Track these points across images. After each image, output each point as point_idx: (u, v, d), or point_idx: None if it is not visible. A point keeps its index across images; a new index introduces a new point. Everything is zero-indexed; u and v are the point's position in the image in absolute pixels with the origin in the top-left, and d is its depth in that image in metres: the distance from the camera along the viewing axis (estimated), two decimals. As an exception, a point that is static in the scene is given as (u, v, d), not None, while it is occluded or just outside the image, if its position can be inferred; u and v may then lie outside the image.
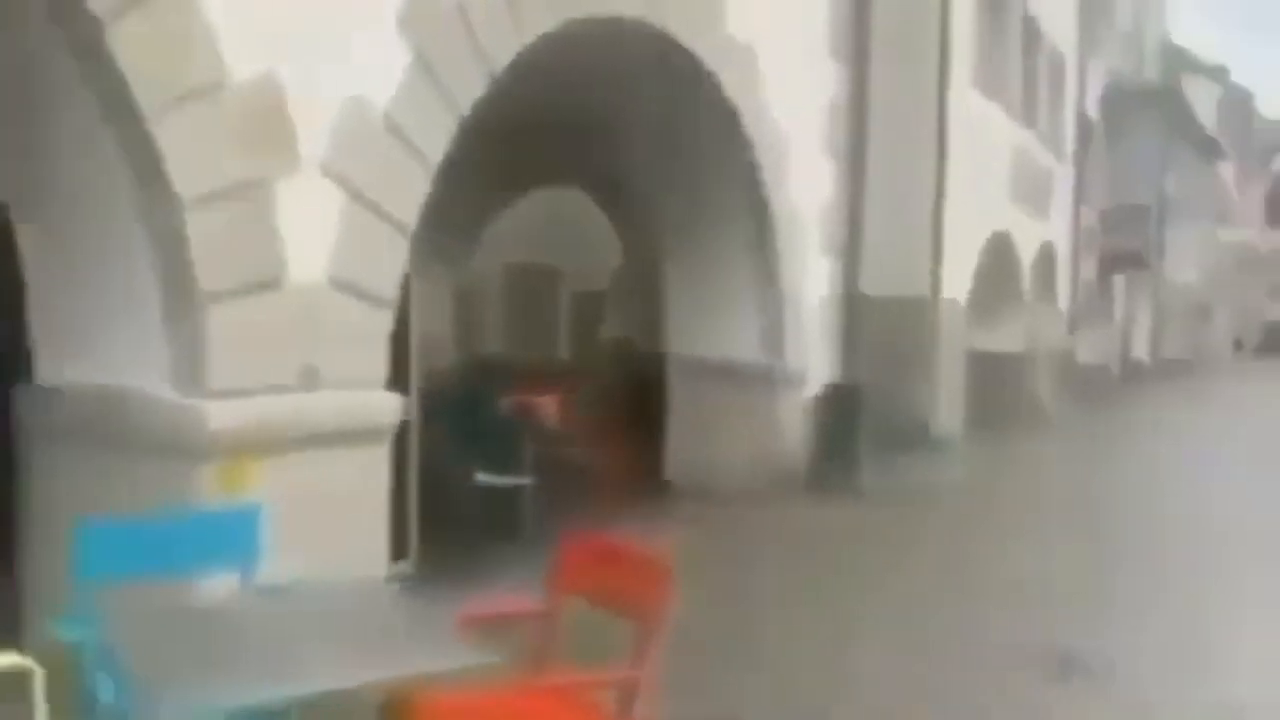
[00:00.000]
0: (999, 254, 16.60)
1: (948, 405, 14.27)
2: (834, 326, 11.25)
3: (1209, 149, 39.80)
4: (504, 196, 13.01)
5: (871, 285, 11.88)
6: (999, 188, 16.59)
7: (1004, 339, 17.67)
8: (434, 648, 2.93)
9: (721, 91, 9.02)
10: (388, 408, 5.69)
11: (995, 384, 16.59)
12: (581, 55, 8.35)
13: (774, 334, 10.20)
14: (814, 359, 10.85)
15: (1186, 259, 36.67)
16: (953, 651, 5.82)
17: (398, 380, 5.90)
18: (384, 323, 5.71)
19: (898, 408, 12.99)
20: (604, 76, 8.87)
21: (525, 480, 7.62)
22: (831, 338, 11.24)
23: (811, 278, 10.74)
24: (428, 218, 6.11)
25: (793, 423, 10.51)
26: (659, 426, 10.33)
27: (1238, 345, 58.13)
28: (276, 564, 3.77)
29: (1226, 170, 48.24)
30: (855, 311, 11.32)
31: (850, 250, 11.23)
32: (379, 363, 5.67)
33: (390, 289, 5.73)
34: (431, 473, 7.02)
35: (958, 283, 14.64)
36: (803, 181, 10.37)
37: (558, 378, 11.70)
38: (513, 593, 4.01)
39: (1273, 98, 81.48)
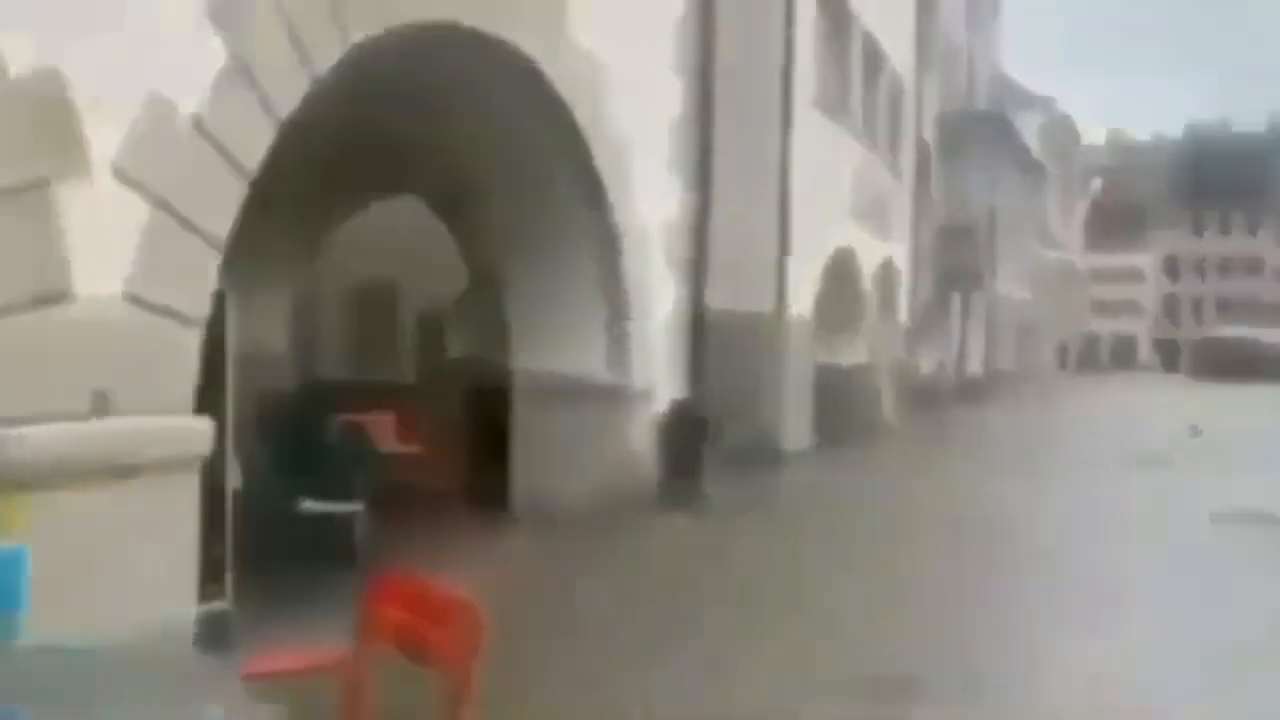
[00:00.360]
0: (843, 270, 16.87)
1: (795, 418, 14.36)
2: (681, 343, 11.10)
3: (1035, 172, 41.80)
4: (342, 208, 12.42)
5: (718, 301, 11.82)
6: (842, 206, 16.87)
7: (848, 353, 17.97)
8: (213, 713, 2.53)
9: (563, 103, 8.76)
10: (196, 434, 5.19)
11: (841, 397, 16.82)
12: (418, 62, 7.98)
13: (621, 351, 9.97)
14: (662, 376, 10.68)
15: (1016, 277, 38.34)
16: (790, 679, 5.65)
17: (213, 404, 5.40)
18: (192, 342, 5.21)
19: (746, 423, 12.99)
20: (442, 85, 8.50)
21: (356, 507, 7.16)
22: (679, 354, 11.08)
23: (658, 294, 10.57)
24: (256, 230, 5.63)
25: (641, 441, 10.30)
26: (506, 447, 9.97)
27: (1062, 359, 61.19)
28: (50, 614, 3.29)
29: (1051, 193, 50.73)
30: (702, 328, 11.20)
31: (697, 266, 11.12)
32: (186, 386, 5.17)
33: (199, 306, 5.24)
34: (254, 501, 6.51)
35: (803, 298, 14.78)
36: (649, 196, 10.19)
37: (399, 398, 11.19)
38: (334, 634, 3.60)
39: (1092, 127, 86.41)
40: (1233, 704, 5.46)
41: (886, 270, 19.93)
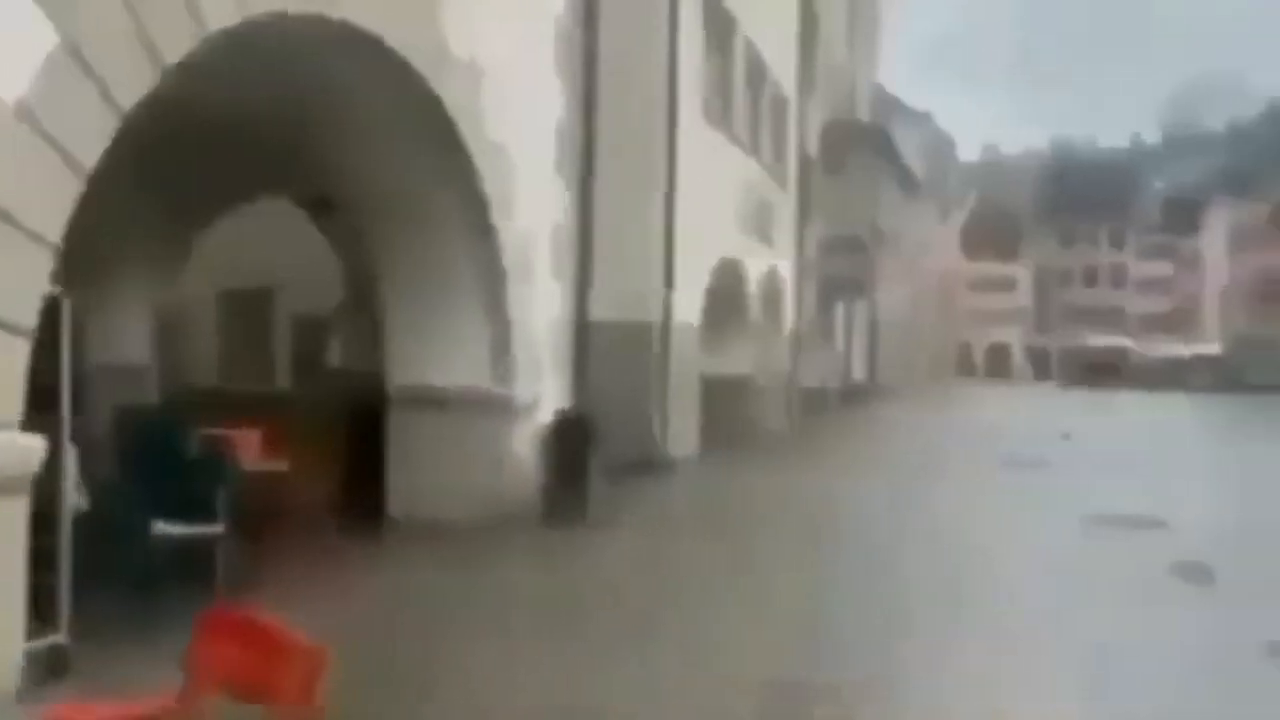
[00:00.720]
0: (729, 280, 16.83)
1: (682, 427, 14.23)
2: (566, 352, 10.83)
3: (914, 186, 42.82)
4: (210, 211, 11.80)
5: (603, 310, 11.60)
6: (728, 216, 16.84)
7: (734, 362, 17.94)
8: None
9: (440, 104, 8.42)
10: (23, 452, 4.71)
11: (727, 404, 16.77)
12: (285, 58, 7.57)
13: (503, 361, 9.65)
14: (546, 385, 10.39)
15: (896, 287, 39.15)
16: (668, 685, 5.45)
17: (45, 420, 4.93)
18: (19, 352, 4.74)
19: (632, 431, 12.78)
20: (311, 84, 8.09)
21: (217, 529, 6.68)
22: (564, 363, 10.81)
23: (542, 302, 10.28)
24: (115, 232, 5.16)
25: (524, 451, 9.99)
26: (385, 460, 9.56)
27: (941, 367, 62.80)
28: None
29: (929, 206, 52.08)
30: (586, 336, 10.96)
31: (581, 275, 10.87)
32: (12, 399, 4.69)
33: (26, 312, 4.76)
34: (103, 525, 6.00)
35: (690, 308, 14.67)
36: (531, 203, 9.91)
37: (273, 410, 10.64)
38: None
39: (969, 143, 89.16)
40: (1101, 704, 5.45)
41: (772, 280, 20.01)
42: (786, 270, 21.47)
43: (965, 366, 73.74)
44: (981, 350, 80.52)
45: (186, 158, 9.67)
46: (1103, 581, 8.33)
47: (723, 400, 16.72)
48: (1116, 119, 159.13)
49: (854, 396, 29.15)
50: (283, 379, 14.03)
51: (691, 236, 14.12)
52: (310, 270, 13.02)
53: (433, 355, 9.53)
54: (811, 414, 22.74)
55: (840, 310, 28.89)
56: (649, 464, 12.89)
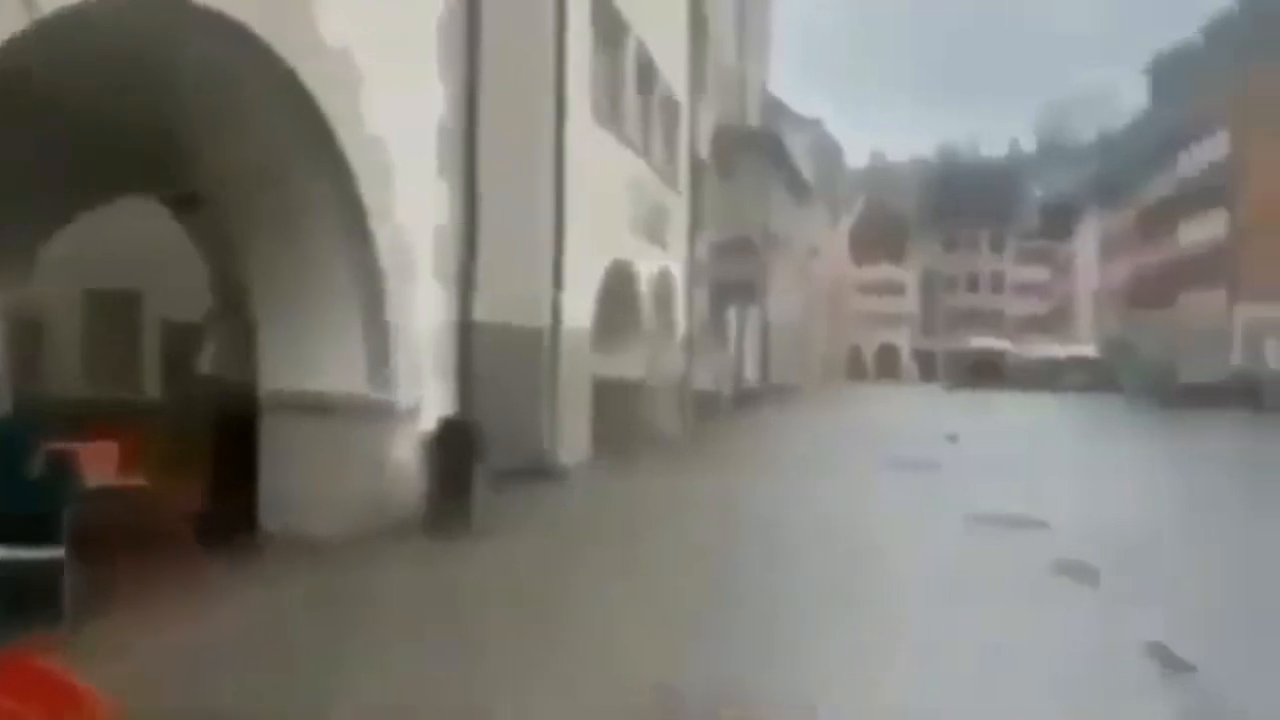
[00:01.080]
0: (620, 282, 16.62)
1: (573, 432, 13.94)
2: (451, 357, 10.43)
3: (804, 191, 43.34)
4: (64, 206, 11.04)
5: (490, 313, 11.23)
6: (619, 218, 16.62)
7: (626, 365, 17.73)
8: None
9: (312, 99, 7.97)
10: None
11: (619, 409, 16.54)
12: (144, 47, 7.05)
13: (382, 367, 9.22)
14: (428, 392, 9.98)
15: (788, 290, 39.54)
16: (557, 698, 5.18)
17: None
18: None
19: (521, 438, 12.45)
20: (174, 73, 7.56)
21: (57, 553, 6.12)
22: (448, 369, 10.41)
23: (424, 305, 9.87)
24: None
25: (406, 461, 9.57)
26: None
27: (832, 369, 63.85)
28: None
29: (819, 211, 52.83)
30: (472, 341, 10.58)
31: (465, 277, 10.48)
32: None
33: None
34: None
35: (581, 310, 14.39)
36: (411, 202, 9.50)
37: (139, 420, 9.98)
38: None
39: (857, 150, 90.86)
40: (987, 703, 5.40)
41: (664, 282, 19.87)
42: (679, 273, 21.37)
43: (856, 368, 75.21)
44: (871, 352, 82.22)
45: (36, 150, 9.00)
46: (988, 581, 8.34)
47: (616, 404, 16.49)
48: (996, 128, 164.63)
49: (747, 399, 29.26)
50: (151, 387, 13.29)
51: (582, 238, 13.85)
52: (181, 272, 12.34)
53: (307, 360, 9.05)
54: (705, 417, 22.69)
55: (733, 313, 28.95)
56: (539, 470, 12.57)
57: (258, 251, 8.99)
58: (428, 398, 9.96)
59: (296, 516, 8.74)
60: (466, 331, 10.58)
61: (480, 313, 10.86)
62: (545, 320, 13.06)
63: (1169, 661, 6.07)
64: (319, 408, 9.01)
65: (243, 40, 7.21)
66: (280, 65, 7.60)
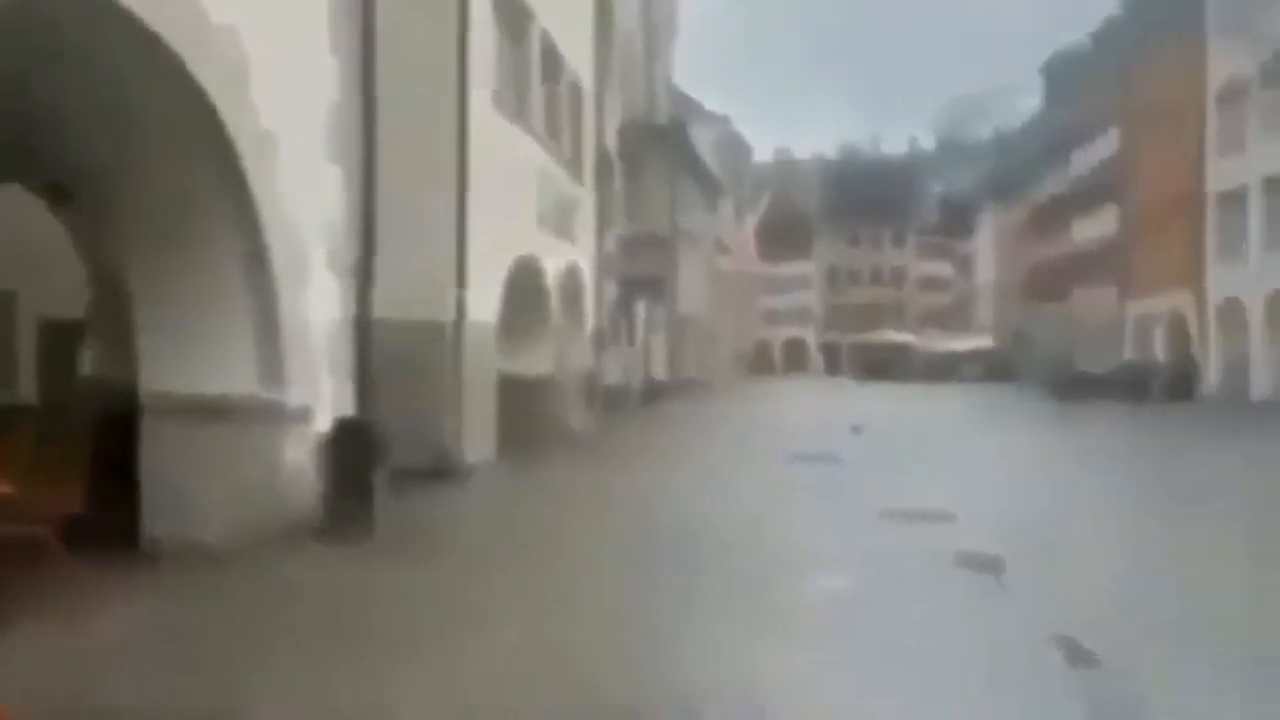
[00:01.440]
0: (527, 277, 16.29)
1: (478, 431, 13.58)
2: (347, 354, 9.99)
3: (711, 187, 43.42)
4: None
5: (390, 309, 10.82)
6: (526, 211, 16.28)
7: (534, 361, 17.41)
8: None
9: (195, 83, 7.49)
10: None
11: (526, 406, 16.22)
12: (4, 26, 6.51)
13: (273, 364, 8.76)
14: (324, 391, 9.55)
15: (696, 285, 39.57)
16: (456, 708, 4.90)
17: None
18: None
19: (424, 438, 12.07)
20: (40, 56, 7.03)
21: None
22: (345, 367, 9.97)
23: (318, 301, 9.43)
24: None
25: (300, 464, 9.12)
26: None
27: (740, 363, 64.28)
28: None
29: (726, 206, 53.05)
30: (371, 337, 10.16)
31: (363, 271, 10.05)
32: None
33: None
34: None
35: (485, 305, 14.03)
36: (303, 192, 9.05)
37: (11, 424, 9.34)
38: None
39: (762, 146, 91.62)
40: (893, 699, 5.30)
41: (572, 277, 19.59)
42: (587, 267, 21.10)
43: (764, 363, 75.85)
44: (778, 346, 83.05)
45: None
46: (894, 574, 8.28)
47: (522, 401, 16.16)
48: (896, 127, 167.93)
49: (656, 394, 29.14)
50: (28, 388, 12.52)
51: (486, 232, 13.49)
52: (61, 267, 11.61)
53: (191, 359, 8.55)
54: (613, 413, 22.46)
55: (641, 308, 28.78)
56: (443, 470, 12.20)
57: (137, 245, 8.46)
58: (324, 397, 9.53)
59: (184, 523, 8.25)
60: (365, 328, 10.15)
61: (380, 308, 10.43)
62: (448, 315, 12.68)
63: (1075, 654, 6.03)
64: (206, 409, 8.52)
65: (117, 15, 6.73)
66: (159, 43, 7.12)
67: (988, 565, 8.43)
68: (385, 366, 10.65)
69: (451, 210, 12.57)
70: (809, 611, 7.09)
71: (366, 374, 10.14)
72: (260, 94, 8.30)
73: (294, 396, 8.96)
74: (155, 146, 7.99)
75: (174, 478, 8.42)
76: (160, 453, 8.49)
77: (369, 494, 9.56)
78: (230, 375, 8.63)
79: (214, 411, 8.54)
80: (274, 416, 8.78)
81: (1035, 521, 10.87)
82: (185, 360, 8.56)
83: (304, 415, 9.15)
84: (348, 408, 9.89)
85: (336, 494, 9.35)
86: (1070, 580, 8.20)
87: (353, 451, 9.42)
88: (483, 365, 13.81)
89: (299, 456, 9.11)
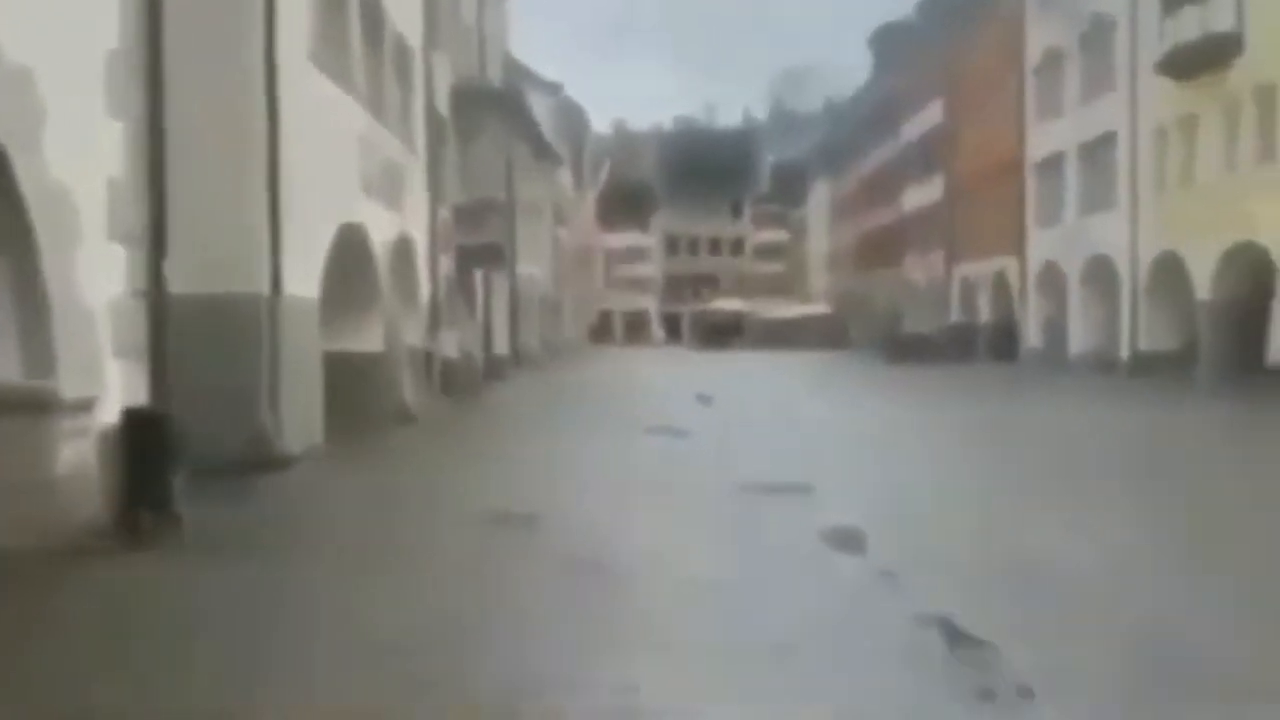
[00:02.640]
0: (353, 247, 15.06)
1: (300, 416, 12.38)
2: (138, 335, 8.71)
3: (549, 155, 42.36)
4: None
5: (191, 282, 9.56)
6: (349, 176, 15.03)
7: (363, 338, 16.20)
8: None
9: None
10: None
11: (356, 387, 15.04)
12: None
13: (41, 349, 7.48)
14: (110, 378, 8.27)
15: (536, 256, 38.55)
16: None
17: None
18: None
19: (235, 427, 10.85)
20: None
21: None
22: (136, 349, 8.69)
23: (97, 273, 8.13)
24: None
25: (82, 461, 7.86)
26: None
27: (583, 335, 63.65)
28: None
29: (565, 176, 52.06)
30: (167, 314, 8.90)
31: (154, 238, 8.77)
32: None
33: None
34: None
35: (306, 278, 12.80)
36: (73, 146, 7.73)
37: None
38: None
39: (600, 117, 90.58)
40: (749, 680, 4.94)
41: (403, 248, 18.37)
42: (420, 237, 19.89)
43: (606, 333, 75.36)
44: (621, 317, 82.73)
45: None
46: (753, 551, 7.78)
47: (353, 382, 14.97)
48: (730, 97, 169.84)
49: (496, 369, 28.10)
50: None
51: (304, 196, 12.24)
52: None
53: (-64, 346, 7.20)
54: (452, 392, 21.43)
55: (479, 280, 27.62)
56: (259, 462, 10.99)
57: None
58: (110, 385, 8.25)
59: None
60: (159, 304, 8.87)
61: (179, 282, 9.16)
62: (262, 289, 11.42)
63: (953, 636, 5.60)
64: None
65: None
66: None
67: (849, 541, 7.99)
68: (189, 348, 9.42)
69: (261, 172, 11.29)
70: (672, 593, 6.47)
71: (163, 357, 8.88)
72: (14, 31, 6.96)
73: (70, 385, 7.69)
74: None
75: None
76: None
77: (168, 492, 8.37)
78: (-12, 363, 7.32)
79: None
80: (43, 409, 7.50)
81: (895, 492, 10.57)
82: (-71, 347, 7.20)
83: (84, 406, 7.88)
84: (140, 397, 8.63)
85: (129, 493, 8.13)
86: (935, 556, 7.82)
87: (146, 446, 8.20)
88: (304, 343, 12.60)
89: (80, 453, 7.85)
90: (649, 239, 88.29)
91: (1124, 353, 29.06)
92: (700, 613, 6.25)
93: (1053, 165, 34.07)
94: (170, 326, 8.96)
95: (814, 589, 6.78)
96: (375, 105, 16.57)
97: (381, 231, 16.58)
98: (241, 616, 6.23)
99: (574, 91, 59.68)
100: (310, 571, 7.37)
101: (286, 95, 11.67)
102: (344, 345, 15.21)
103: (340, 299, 14.61)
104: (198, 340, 9.82)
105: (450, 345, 22.61)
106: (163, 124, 8.81)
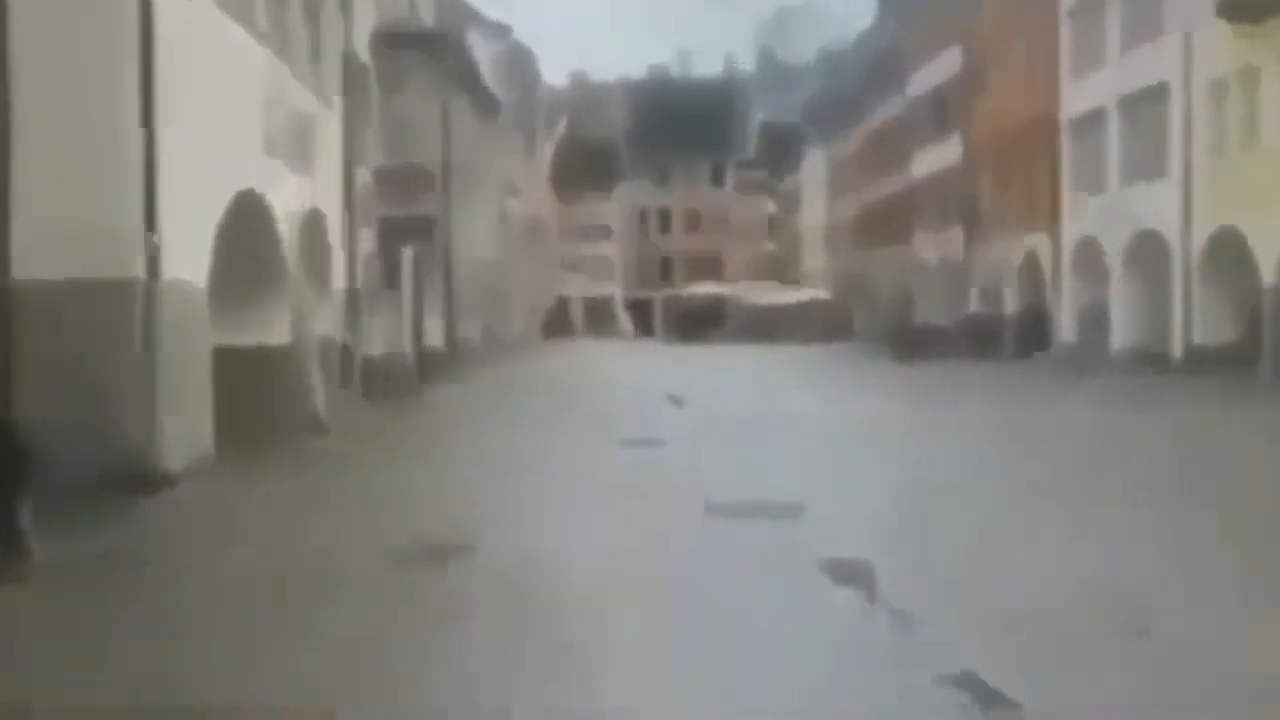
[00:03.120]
0: (250, 220, 14.73)
1: (184, 425, 12.09)
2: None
3: (493, 111, 42.02)
4: None
5: (42, 264, 9.23)
6: (247, 131, 14.69)
7: (265, 330, 15.89)
8: None
9: None
10: None
11: (253, 390, 14.72)
12: None
13: None
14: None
15: (478, 231, 38.24)
16: None
17: None
18: None
19: (102, 439, 10.56)
20: None
21: None
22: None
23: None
24: None
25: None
26: None
27: (535, 325, 63.39)
28: None
29: (513, 137, 51.76)
30: (10, 305, 8.56)
31: (-6, 209, 8.43)
32: None
33: None
34: None
35: (192, 258, 12.50)
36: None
37: None
38: None
39: (555, 69, 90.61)
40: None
41: (314, 221, 18.05)
42: (333, 208, 19.56)
43: (562, 323, 75.10)
44: (581, 305, 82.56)
45: None
46: (737, 593, 7.65)
47: (250, 383, 14.66)
48: (710, 44, 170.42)
49: (429, 366, 27.79)
50: None
51: (187, 159, 11.90)
52: None
53: None
54: (373, 394, 21.13)
55: (408, 260, 27.30)
56: (133, 480, 10.66)
57: None
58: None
59: None
60: (1, 292, 8.54)
61: (24, 264, 8.83)
62: (135, 272, 11.08)
63: (983, 696, 5.41)
64: None
65: None
66: None
67: (856, 576, 7.80)
68: (41, 344, 9.11)
69: (134, 124, 10.93)
70: (648, 635, 6.30)
71: (5, 356, 8.54)
72: None
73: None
74: None
75: None
76: None
77: (16, 521, 8.08)
78: None
79: None
80: None
81: (907, 519, 10.38)
82: None
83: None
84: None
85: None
86: (955, 595, 7.63)
87: (-16, 466, 7.87)
88: (189, 337, 12.27)
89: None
90: (613, 211, 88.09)
91: (1176, 347, 29.18)
92: (664, 658, 6.04)
93: (1091, 124, 34.15)
94: (17, 320, 8.63)
95: (799, 632, 6.59)
96: (278, 44, 16.23)
97: (287, 200, 16.26)
98: (103, 642, 5.97)
99: (524, 35, 59.44)
100: (168, 596, 7.06)
101: (165, 27, 11.31)
102: (240, 339, 14.92)
103: (235, 283, 14.30)
104: (56, 335, 9.50)
105: (372, 337, 22.33)
106: (6, 70, 8.45)
